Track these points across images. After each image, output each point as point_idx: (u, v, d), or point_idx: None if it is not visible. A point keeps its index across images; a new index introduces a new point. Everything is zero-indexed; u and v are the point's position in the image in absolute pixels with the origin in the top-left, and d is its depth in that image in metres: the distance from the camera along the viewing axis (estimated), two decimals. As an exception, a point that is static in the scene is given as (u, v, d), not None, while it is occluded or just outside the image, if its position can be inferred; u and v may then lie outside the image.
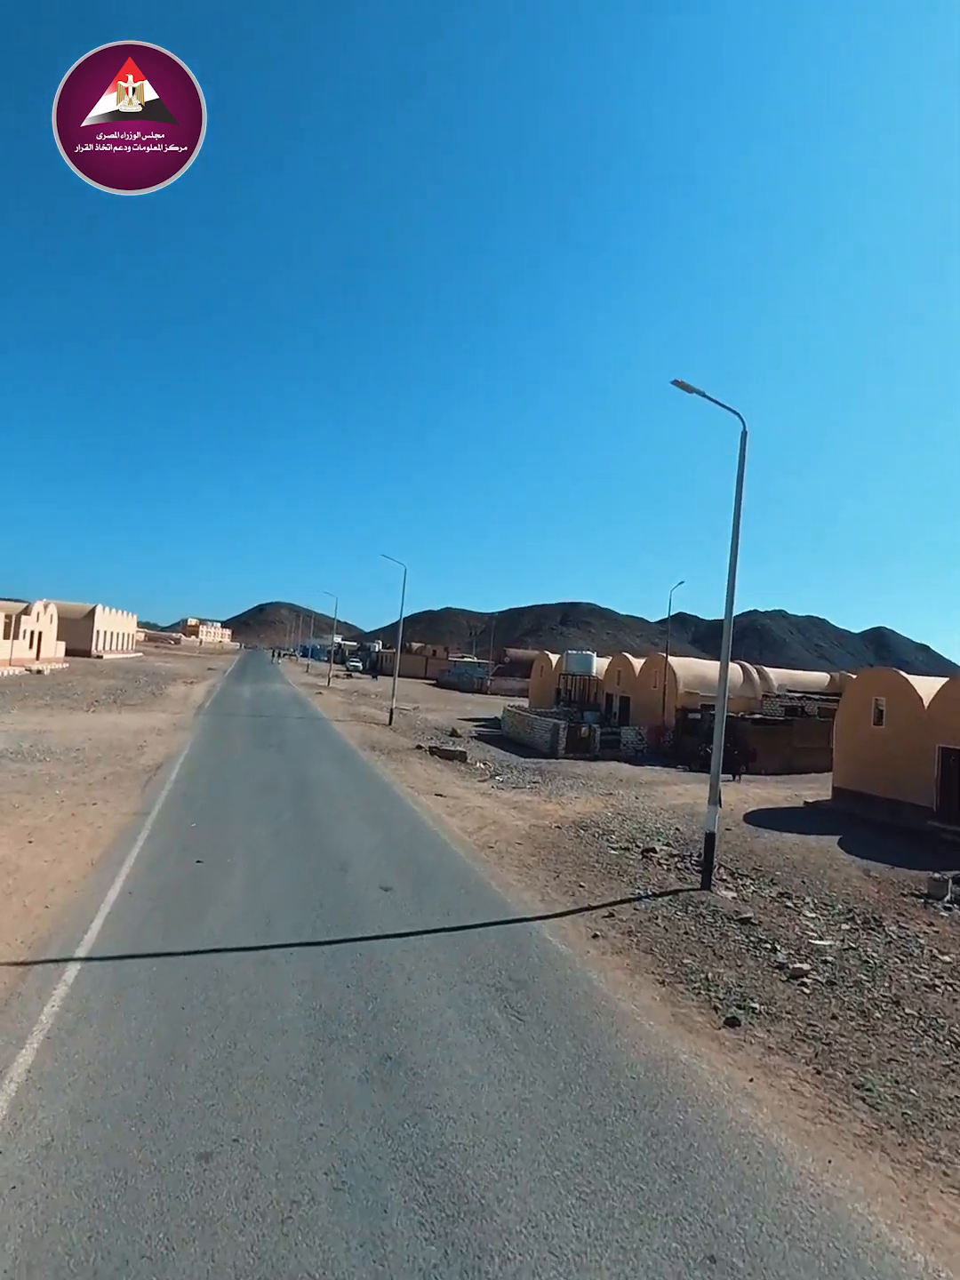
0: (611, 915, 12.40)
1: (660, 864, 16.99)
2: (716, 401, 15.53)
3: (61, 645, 68.73)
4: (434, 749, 31.39)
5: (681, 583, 48.14)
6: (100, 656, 78.95)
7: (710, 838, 14.95)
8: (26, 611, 59.51)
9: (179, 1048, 7.14)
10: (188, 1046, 7.17)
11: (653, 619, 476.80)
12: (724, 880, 15.95)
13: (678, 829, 21.68)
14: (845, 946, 12.34)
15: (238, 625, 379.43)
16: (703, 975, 10.32)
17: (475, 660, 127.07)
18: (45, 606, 63.96)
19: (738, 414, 15.53)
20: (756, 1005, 9.47)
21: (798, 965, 10.98)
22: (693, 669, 49.35)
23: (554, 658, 61.56)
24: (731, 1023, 8.94)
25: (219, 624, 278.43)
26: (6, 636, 53.52)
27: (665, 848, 18.92)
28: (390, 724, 41.72)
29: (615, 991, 9.44)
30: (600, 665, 55.59)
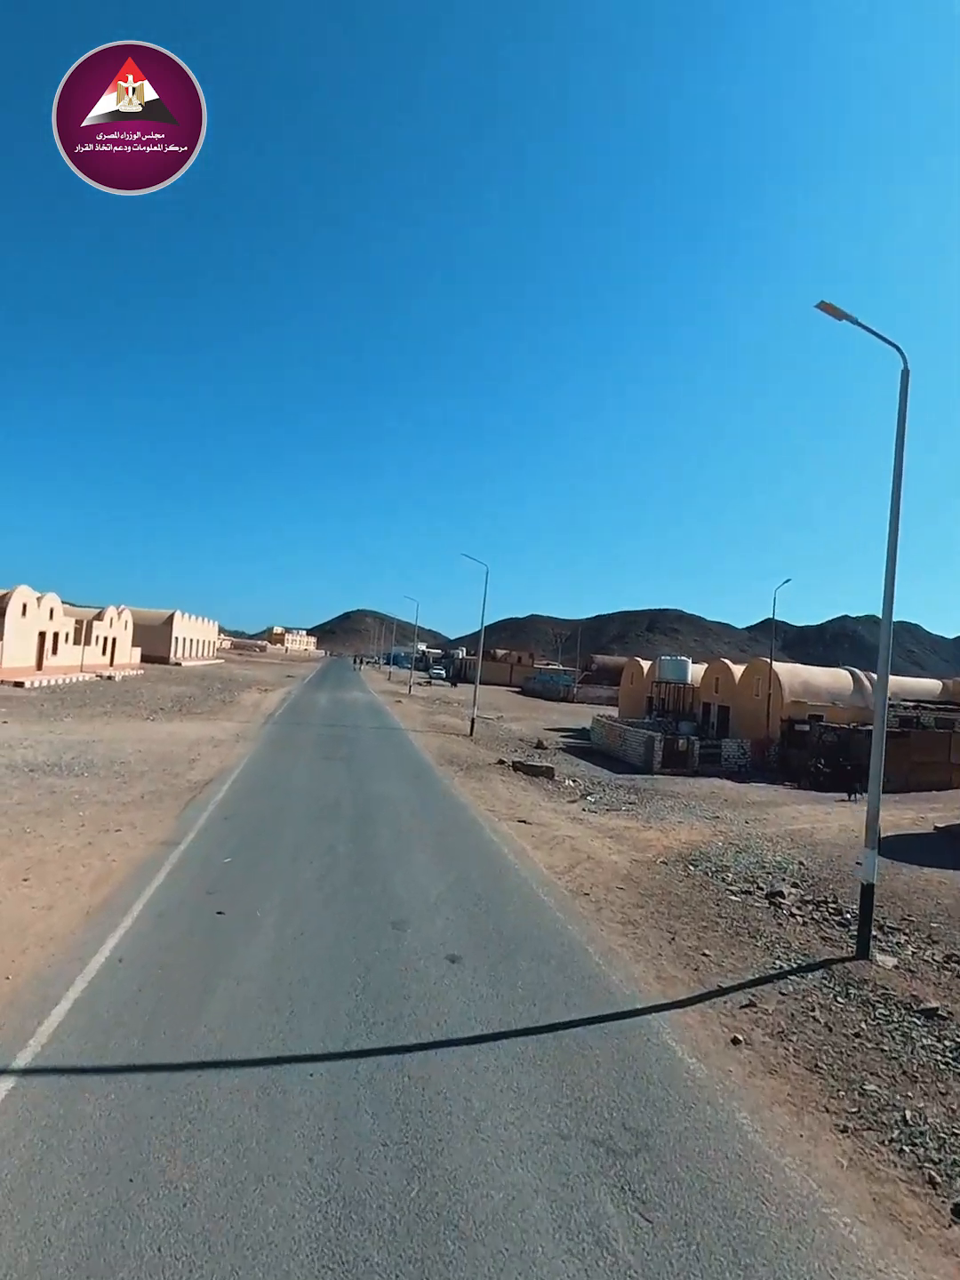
0: (752, 1005, 9.18)
1: (794, 916, 13.71)
2: (871, 331, 12.21)
3: (137, 651, 68.00)
4: (518, 764, 28.39)
5: (788, 581, 43.78)
6: (178, 663, 78.32)
7: (868, 891, 11.61)
8: (99, 617, 58.66)
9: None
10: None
11: (740, 625, 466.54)
12: (875, 938, 12.63)
13: (802, 864, 18.30)
14: None
15: (323, 633, 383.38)
16: (897, 1113, 7.09)
17: (561, 668, 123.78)
18: (119, 612, 63.16)
19: (897, 347, 12.21)
20: (1000, 1178, 6.25)
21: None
22: (799, 676, 45.29)
23: (645, 665, 57.91)
24: (962, 1213, 5.80)
25: (305, 632, 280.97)
26: (78, 642, 52.56)
27: (794, 891, 15.61)
28: (471, 735, 38.93)
29: (781, 1150, 6.30)
30: (695, 672, 51.80)
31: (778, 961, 10.83)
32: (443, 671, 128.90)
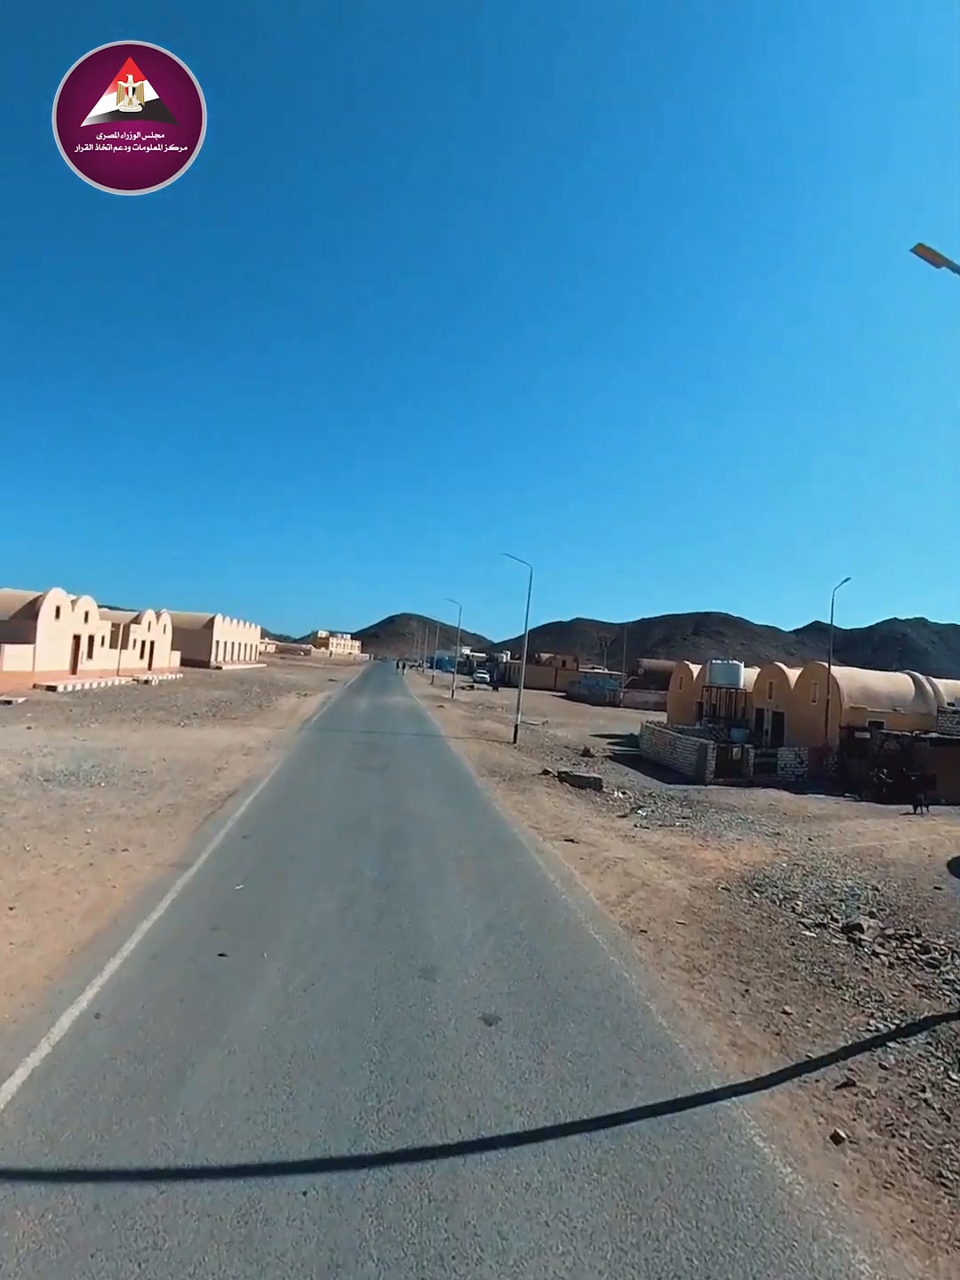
0: (850, 1084, 7.52)
1: (877, 955, 12.03)
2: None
3: (176, 655, 67.51)
4: (564, 775, 26.79)
5: (847, 580, 41.80)
6: (219, 667, 77.82)
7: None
8: (136, 621, 58.12)
9: None
10: None
11: (787, 628, 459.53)
12: (972, 980, 10.95)
13: (876, 889, 16.58)
14: None
15: (367, 637, 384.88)
16: None
17: (606, 672, 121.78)
18: (157, 616, 62.60)
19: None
20: None
21: None
22: (857, 681, 43.13)
23: (695, 669, 55.89)
24: None
25: (349, 636, 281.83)
26: (114, 646, 51.95)
27: (872, 922, 13.91)
28: (514, 742, 37.41)
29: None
30: (747, 677, 49.74)
31: (871, 1021, 9.18)
32: (486, 676, 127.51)
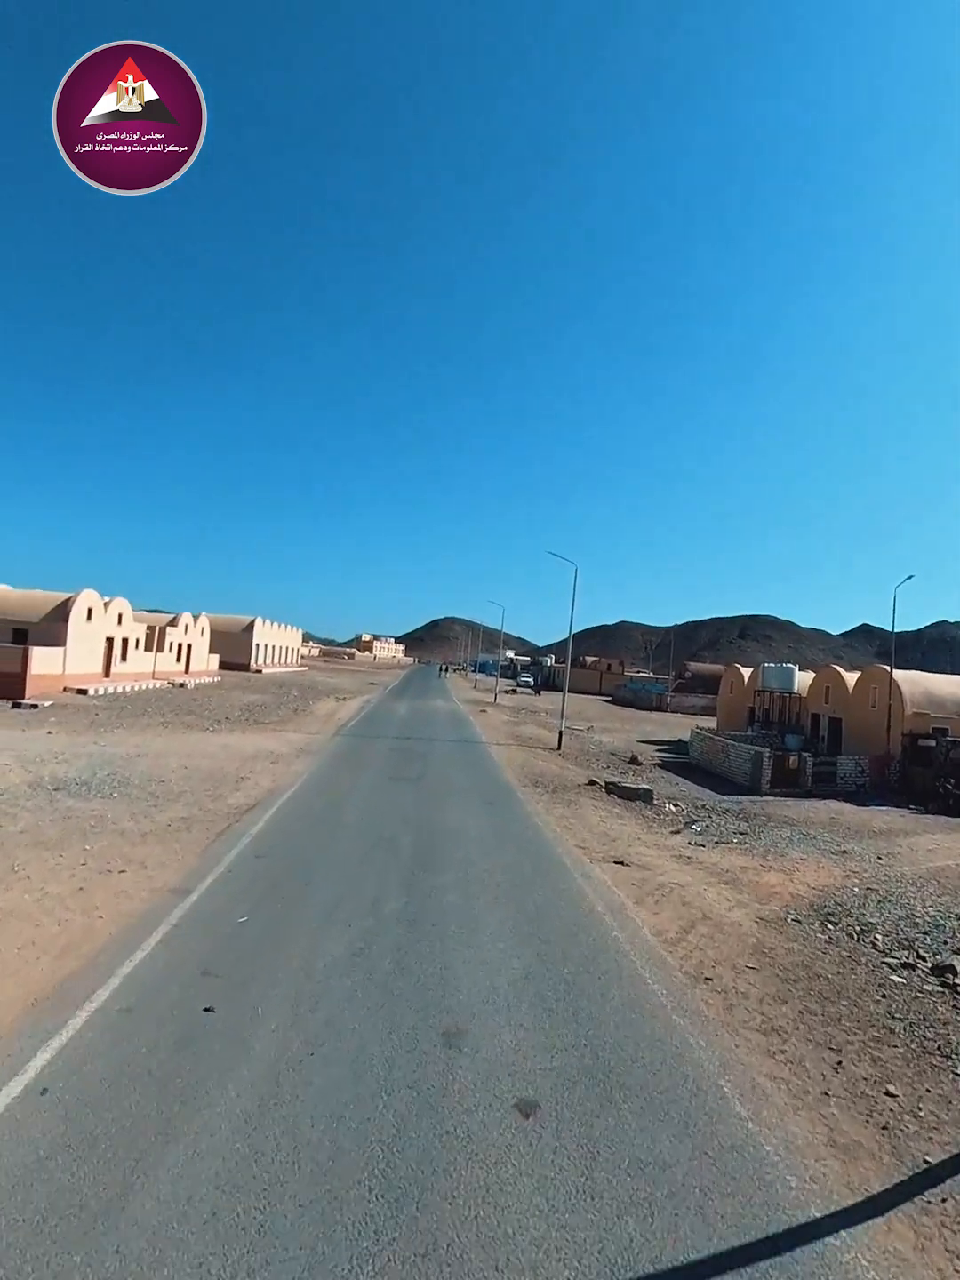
0: (990, 1203, 5.89)
1: (980, 1003, 10.29)
2: None
3: (214, 659, 66.81)
4: (611, 785, 25.05)
5: (910, 577, 39.67)
6: (258, 671, 77.07)
7: None
8: (173, 623, 57.39)
9: None
10: None
11: (835, 632, 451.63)
12: None
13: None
14: None
15: (411, 641, 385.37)
16: None
17: (652, 675, 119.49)
18: (194, 619, 61.88)
19: None
20: None
21: None
22: (921, 685, 40.82)
23: (745, 673, 53.67)
24: None
25: (393, 639, 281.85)
26: (149, 649, 51.18)
27: (965, 960, 12.15)
28: (559, 749, 35.77)
29: None
30: (802, 680, 47.55)
31: (998, 1104, 7.46)
32: (530, 679, 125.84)
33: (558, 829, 18.11)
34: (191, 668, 60.02)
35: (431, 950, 9.62)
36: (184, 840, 14.11)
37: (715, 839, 20.10)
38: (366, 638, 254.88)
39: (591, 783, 25.49)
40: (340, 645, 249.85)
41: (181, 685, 50.60)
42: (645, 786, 25.23)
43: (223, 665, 72.76)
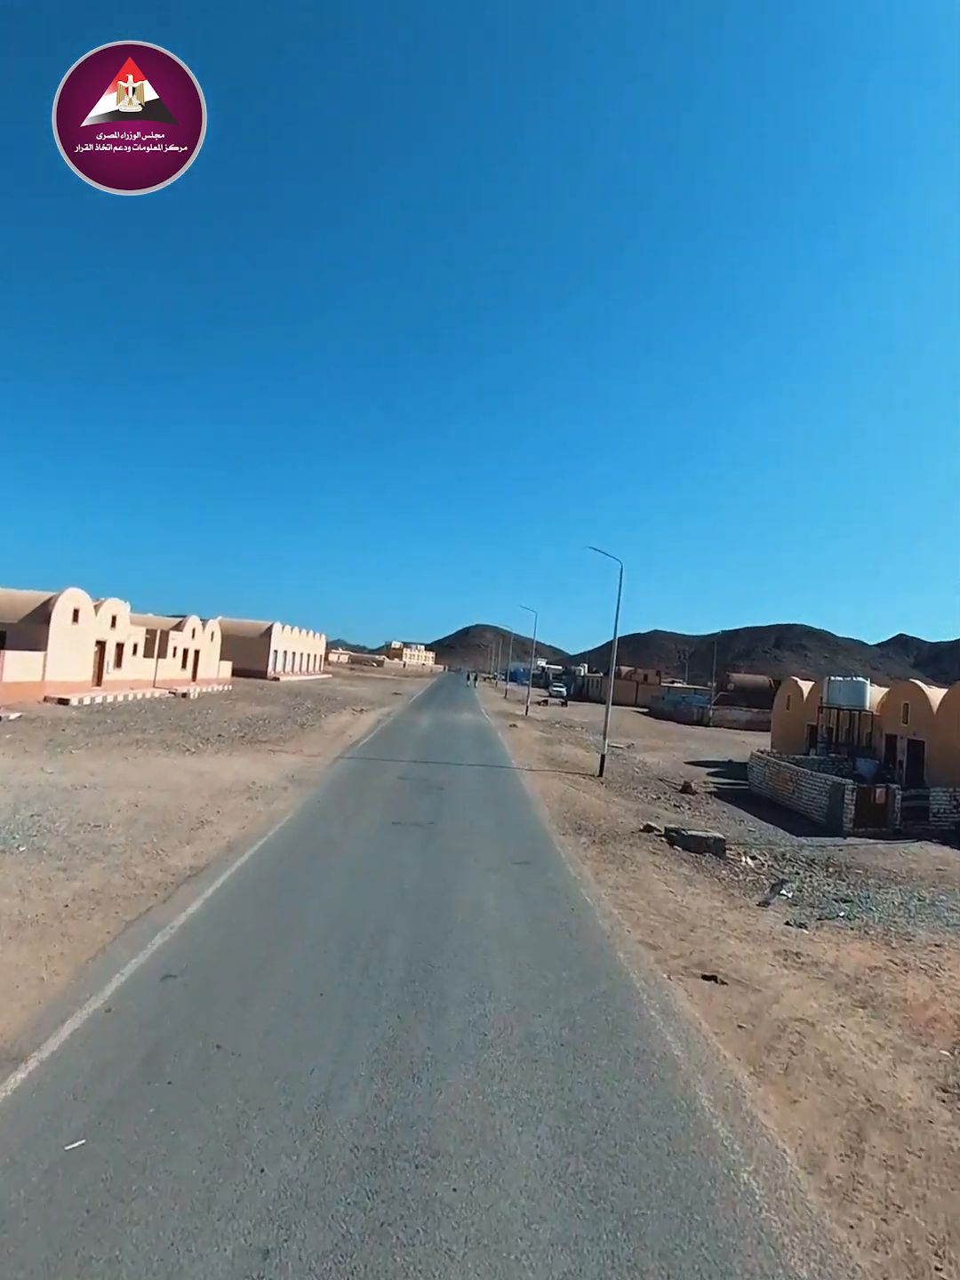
0: None
1: None
2: None
3: (227, 666, 62.56)
4: (674, 834, 20.04)
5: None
6: (276, 679, 72.85)
7: None
8: (178, 627, 53.18)
9: None
10: None
11: (871, 642, 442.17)
12: None
13: None
14: None
15: (442, 648, 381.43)
16: None
17: (693, 686, 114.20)
18: (203, 623, 57.71)
19: None
20: None
21: None
22: (1018, 704, 35.56)
23: (804, 685, 48.14)
24: None
25: (423, 646, 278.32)
26: (149, 655, 47.00)
27: None
28: (601, 775, 30.91)
29: None
30: (873, 696, 42.24)
31: None
32: (562, 690, 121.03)
33: (613, 907, 13.25)
34: (199, 675, 55.77)
35: (405, 1264, 4.88)
36: (72, 937, 9.50)
37: (816, 912, 15.23)
38: (396, 645, 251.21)
39: (648, 829, 20.53)
40: (371, 652, 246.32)
41: (183, 695, 46.33)
42: (715, 834, 20.24)
43: (238, 673, 68.74)
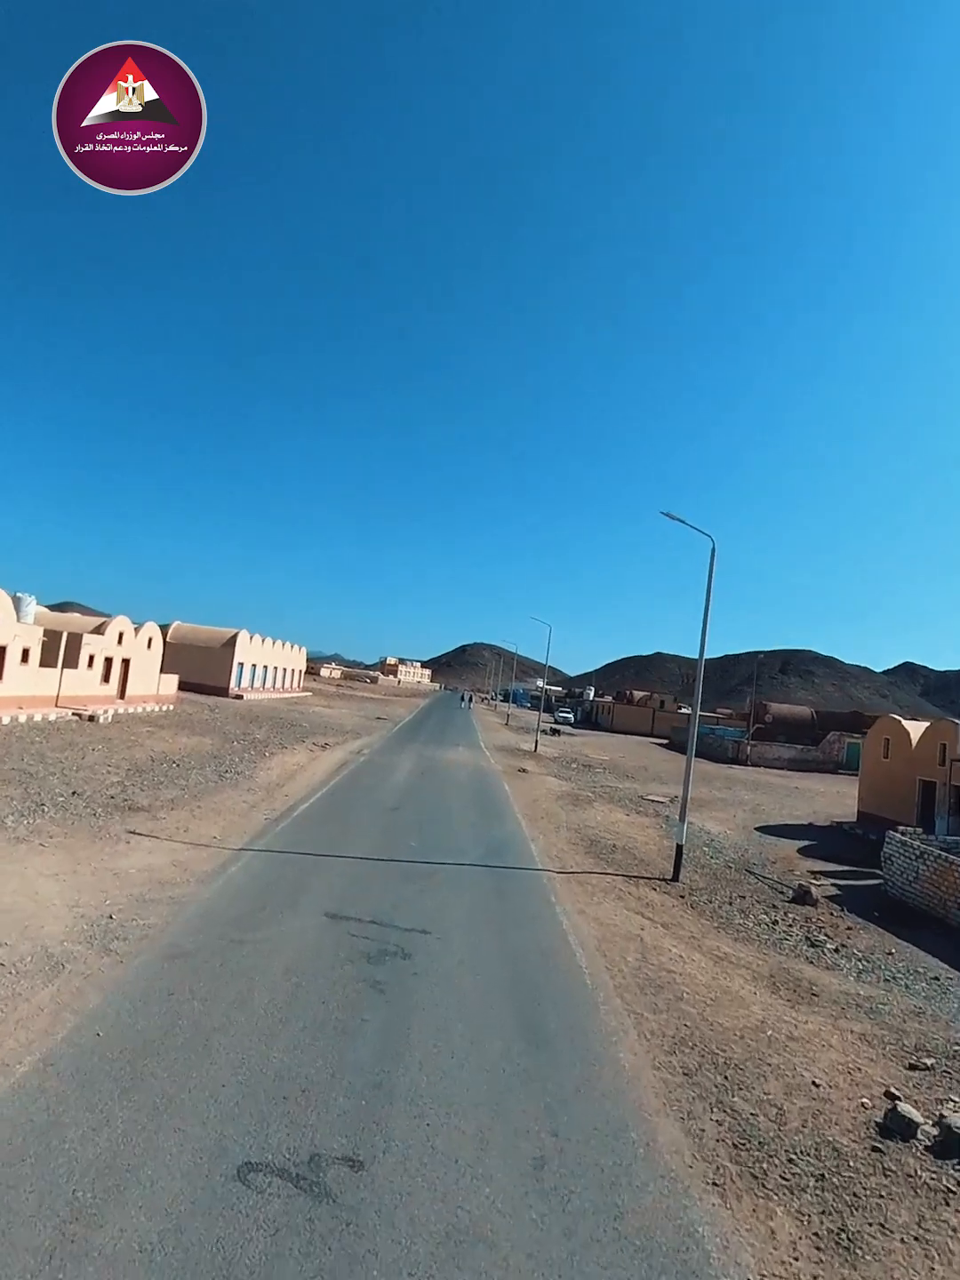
0: None
1: None
2: None
3: (171, 679, 50.96)
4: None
5: None
6: (239, 697, 61.24)
7: None
8: (98, 630, 41.66)
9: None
10: None
11: (878, 669, 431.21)
12: None
13: None
14: None
15: (438, 666, 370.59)
16: None
17: (717, 714, 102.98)
18: (137, 628, 46.08)
19: None
20: None
21: None
22: None
23: (912, 728, 36.24)
24: None
25: (419, 663, 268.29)
26: (48, 664, 35.69)
27: None
28: (676, 879, 19.40)
29: None
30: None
31: None
32: (569, 714, 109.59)
33: None
34: (130, 691, 44.19)
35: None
36: None
37: None
38: (391, 661, 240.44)
39: (882, 1139, 8.81)
40: (367, 668, 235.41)
41: (90, 718, 34.74)
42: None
43: (191, 688, 57.29)
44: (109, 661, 42.11)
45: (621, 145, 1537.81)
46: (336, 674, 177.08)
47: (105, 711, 37.09)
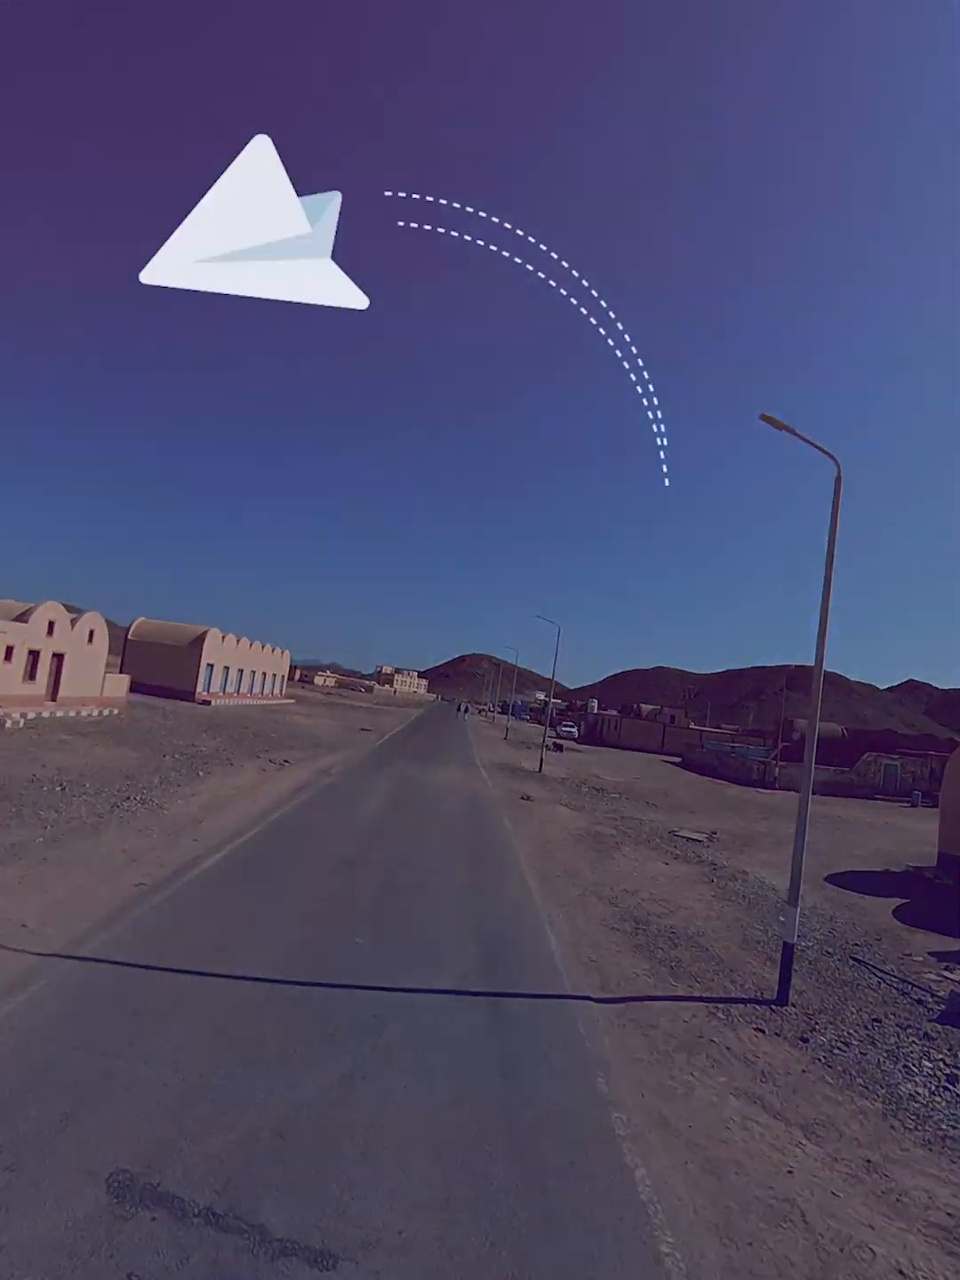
0: None
1: None
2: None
3: (122, 680, 43.97)
4: None
5: None
6: (206, 702, 54.10)
7: None
8: (22, 618, 34.54)
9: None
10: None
11: (882, 686, 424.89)
12: None
13: None
14: None
15: (435, 676, 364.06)
16: None
17: (723, 730, 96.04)
18: (74, 620, 38.78)
19: None
20: None
21: None
22: None
23: (1013, 755, 29.47)
24: None
25: (416, 673, 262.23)
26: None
27: None
28: (783, 999, 12.33)
29: None
30: None
31: None
32: (572, 729, 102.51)
33: None
34: (64, 691, 37.14)
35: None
36: None
37: None
38: (388, 669, 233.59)
39: None
40: (365, 677, 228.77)
41: (-3, 724, 27.89)
42: None
43: (152, 690, 50.58)
44: (34, 655, 35.08)
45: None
46: (330, 681, 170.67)
47: (19, 715, 30.15)
